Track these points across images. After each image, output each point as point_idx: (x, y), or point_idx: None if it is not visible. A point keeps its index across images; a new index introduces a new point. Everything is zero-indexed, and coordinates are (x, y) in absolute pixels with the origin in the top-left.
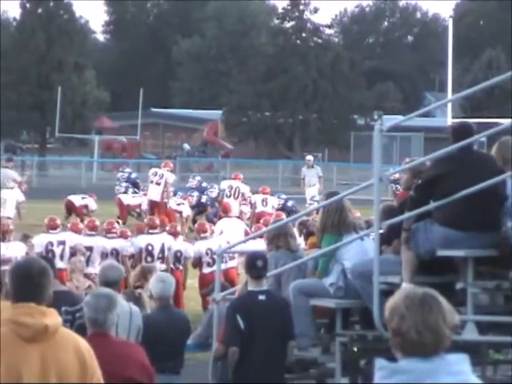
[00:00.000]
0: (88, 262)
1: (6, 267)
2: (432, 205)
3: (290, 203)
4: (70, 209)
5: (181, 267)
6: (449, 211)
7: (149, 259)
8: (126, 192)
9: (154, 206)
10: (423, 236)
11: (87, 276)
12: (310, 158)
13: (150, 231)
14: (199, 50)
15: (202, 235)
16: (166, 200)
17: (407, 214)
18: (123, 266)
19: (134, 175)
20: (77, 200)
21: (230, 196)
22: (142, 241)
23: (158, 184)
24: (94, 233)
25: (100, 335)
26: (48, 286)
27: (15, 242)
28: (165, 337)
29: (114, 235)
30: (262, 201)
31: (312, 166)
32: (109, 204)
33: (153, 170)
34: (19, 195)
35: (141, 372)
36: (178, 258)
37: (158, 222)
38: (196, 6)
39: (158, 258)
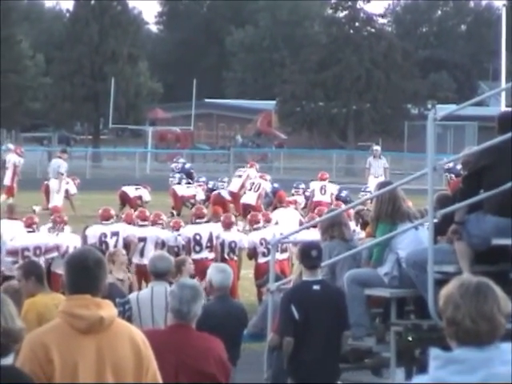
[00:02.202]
0: (142, 252)
1: (52, 255)
2: (481, 196)
3: (343, 193)
4: (124, 200)
5: (235, 258)
6: (497, 200)
7: (197, 248)
8: (179, 183)
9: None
10: (476, 227)
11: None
12: (377, 148)
13: (198, 221)
14: (252, 40)
15: (255, 226)
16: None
17: (457, 205)
18: None
19: (188, 165)
20: (131, 191)
21: (250, 189)
22: (189, 231)
23: (240, 176)
24: (146, 223)
25: (181, 326)
26: (104, 278)
27: (68, 233)
28: (223, 327)
29: (161, 226)
30: (321, 188)
31: (379, 157)
32: (163, 195)
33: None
34: (71, 187)
35: (219, 367)
36: (233, 248)
37: (205, 211)
38: None
39: (207, 247)
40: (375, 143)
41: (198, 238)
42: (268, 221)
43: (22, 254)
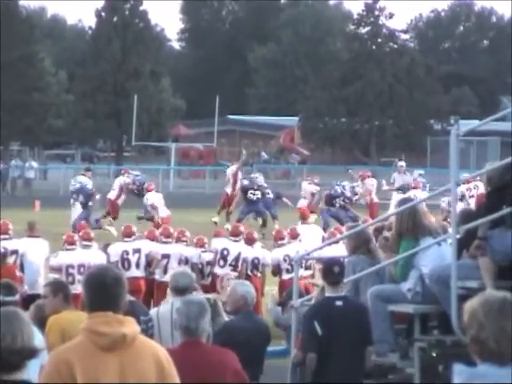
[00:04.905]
0: (165, 270)
1: None
2: (504, 211)
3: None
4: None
5: (259, 274)
6: None
7: (221, 263)
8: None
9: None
10: (499, 242)
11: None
12: (402, 163)
13: (232, 238)
14: (275, 56)
15: (280, 242)
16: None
17: (480, 220)
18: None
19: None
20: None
21: None
22: (219, 243)
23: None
24: (170, 240)
25: (192, 343)
26: (123, 295)
27: (95, 250)
28: (248, 344)
29: (185, 243)
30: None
31: (404, 173)
32: (184, 212)
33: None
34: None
35: (235, 379)
36: (256, 265)
37: (242, 229)
38: (271, 12)
39: (230, 265)
40: (398, 159)
41: (225, 252)
42: (294, 237)
43: (67, 271)
